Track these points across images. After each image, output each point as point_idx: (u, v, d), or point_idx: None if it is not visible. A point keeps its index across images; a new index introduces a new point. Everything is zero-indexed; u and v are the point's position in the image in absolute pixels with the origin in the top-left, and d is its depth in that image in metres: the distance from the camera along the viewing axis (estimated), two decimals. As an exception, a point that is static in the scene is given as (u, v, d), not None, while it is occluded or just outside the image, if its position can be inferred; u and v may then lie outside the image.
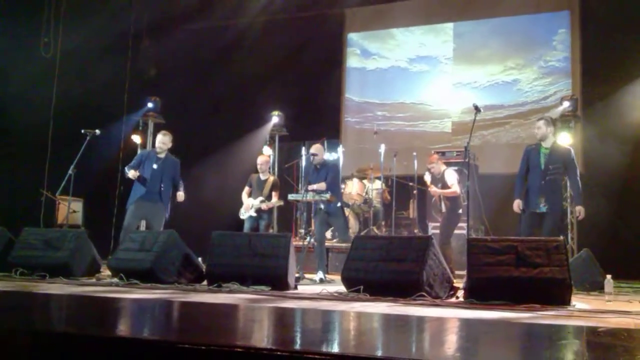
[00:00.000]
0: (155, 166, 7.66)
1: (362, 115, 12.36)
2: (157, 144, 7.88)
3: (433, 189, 7.95)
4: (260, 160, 8.61)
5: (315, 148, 7.93)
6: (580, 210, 6.76)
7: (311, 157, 7.90)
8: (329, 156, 8.39)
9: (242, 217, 8.39)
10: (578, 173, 6.81)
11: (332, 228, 8.60)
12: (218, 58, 11.93)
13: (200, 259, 6.69)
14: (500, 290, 4.81)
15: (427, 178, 8.14)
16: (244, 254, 6.00)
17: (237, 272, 5.86)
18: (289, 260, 5.85)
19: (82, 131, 7.40)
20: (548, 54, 11.11)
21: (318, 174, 7.83)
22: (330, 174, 7.79)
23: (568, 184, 6.94)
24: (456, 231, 8.23)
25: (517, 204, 6.80)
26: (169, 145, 7.89)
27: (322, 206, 7.63)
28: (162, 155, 7.80)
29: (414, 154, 9.93)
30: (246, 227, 8.33)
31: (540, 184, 6.70)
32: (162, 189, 7.66)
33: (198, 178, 11.61)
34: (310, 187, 7.69)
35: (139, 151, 8.06)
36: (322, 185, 7.64)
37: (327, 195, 7.53)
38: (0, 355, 2.48)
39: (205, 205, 11.10)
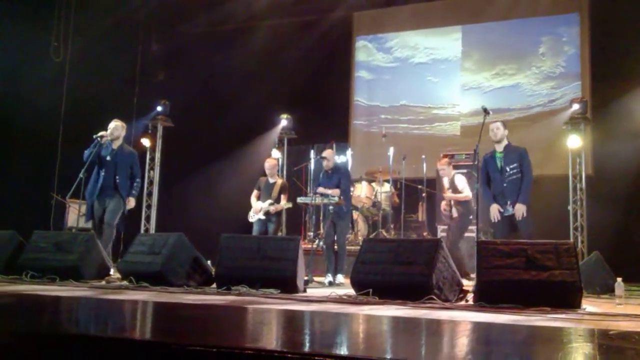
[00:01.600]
0: (108, 158, 7.48)
1: (370, 118, 12.36)
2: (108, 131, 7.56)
3: (448, 195, 7.98)
4: (268, 164, 8.62)
5: (327, 153, 7.96)
6: (519, 209, 6.56)
7: (323, 162, 7.91)
8: (337, 159, 8.40)
9: (251, 220, 8.41)
10: (531, 173, 6.74)
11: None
12: (227, 61, 11.97)
13: (209, 262, 6.70)
14: (510, 293, 4.78)
15: (445, 183, 8.16)
16: (252, 256, 5.99)
17: (245, 275, 5.85)
18: (298, 263, 5.84)
19: (94, 136, 7.42)
20: (557, 56, 11.09)
21: (330, 179, 7.84)
22: (343, 181, 7.80)
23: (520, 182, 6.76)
24: (465, 234, 8.22)
25: (496, 208, 6.73)
26: (121, 132, 7.62)
27: (331, 208, 7.64)
28: (115, 146, 7.57)
29: (423, 156, 9.92)
30: (255, 230, 8.34)
31: (503, 187, 6.75)
32: (117, 181, 7.47)
33: (207, 181, 11.65)
34: (321, 190, 7.69)
35: (135, 153, 7.89)
36: (336, 192, 7.63)
37: (336, 198, 7.54)
38: (11, 357, 2.49)
39: (214, 208, 11.13)
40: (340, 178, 7.80)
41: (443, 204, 8.22)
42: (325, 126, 11.87)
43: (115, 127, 7.55)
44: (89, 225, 7.66)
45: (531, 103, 11.08)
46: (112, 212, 7.46)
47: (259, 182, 8.56)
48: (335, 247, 7.73)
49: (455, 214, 7.92)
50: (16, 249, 7.01)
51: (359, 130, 12.43)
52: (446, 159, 8.36)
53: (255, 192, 8.48)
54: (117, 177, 7.47)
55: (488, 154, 7.02)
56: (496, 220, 6.75)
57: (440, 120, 11.76)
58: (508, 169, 6.75)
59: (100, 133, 7.40)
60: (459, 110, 11.59)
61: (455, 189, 7.94)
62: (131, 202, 7.65)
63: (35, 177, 10.59)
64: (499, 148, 6.90)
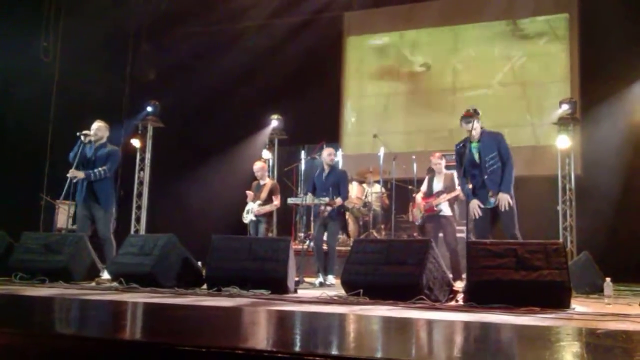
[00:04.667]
0: (91, 157, 7.32)
1: (361, 119, 12.37)
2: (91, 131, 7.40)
3: (442, 197, 7.61)
4: (256, 167, 8.67)
5: (331, 151, 8.05)
6: (502, 198, 6.00)
7: (326, 158, 7.93)
8: (325, 159, 8.39)
9: (244, 221, 8.45)
10: (512, 159, 6.13)
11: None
12: (217, 61, 11.95)
13: (199, 263, 6.69)
14: (499, 293, 4.80)
15: (424, 186, 7.98)
16: (243, 257, 5.99)
17: (236, 276, 5.84)
18: (289, 264, 5.84)
19: (77, 134, 7.36)
20: (547, 56, 11.14)
21: (326, 179, 7.84)
22: (343, 187, 7.83)
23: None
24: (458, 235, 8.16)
25: (476, 203, 6.14)
26: (105, 133, 7.45)
27: (322, 209, 7.66)
28: (97, 146, 7.40)
29: (413, 157, 9.94)
30: (251, 231, 8.39)
31: (484, 179, 6.14)
32: (94, 183, 7.26)
33: (197, 182, 11.63)
34: (324, 201, 7.63)
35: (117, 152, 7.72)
36: (339, 202, 7.66)
37: (326, 199, 7.55)
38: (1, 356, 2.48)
39: (204, 209, 11.12)
40: (338, 181, 7.81)
41: (416, 209, 8.02)
42: (315, 127, 11.87)
43: (99, 128, 7.42)
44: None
45: (522, 104, 11.12)
46: (103, 223, 7.23)
47: (253, 184, 8.61)
48: (325, 247, 7.74)
49: (447, 212, 7.71)
50: (5, 251, 6.98)
51: (349, 130, 12.43)
52: (439, 153, 7.98)
53: (250, 195, 8.51)
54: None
55: (460, 144, 6.37)
56: (477, 217, 6.15)
57: (431, 120, 11.77)
58: (487, 159, 6.12)
59: (84, 132, 7.34)
60: (450, 111, 11.60)
61: (452, 188, 7.58)
62: (77, 174, 7.16)
63: (25, 178, 10.53)
64: (474, 137, 6.24)
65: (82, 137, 7.31)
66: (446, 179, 7.75)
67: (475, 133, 6.21)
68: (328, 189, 7.73)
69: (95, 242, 7.19)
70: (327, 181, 7.82)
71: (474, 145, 6.26)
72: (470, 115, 6.23)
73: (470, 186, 6.30)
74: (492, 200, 6.13)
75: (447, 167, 8.06)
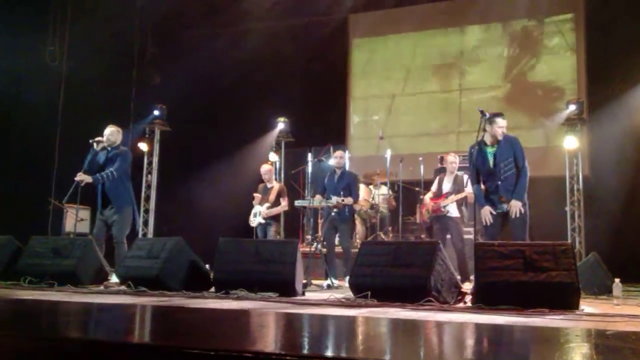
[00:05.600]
0: (102, 163, 7.28)
1: (368, 121, 12.36)
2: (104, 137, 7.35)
3: (452, 197, 7.55)
4: (263, 170, 8.68)
5: (338, 154, 8.06)
6: (514, 205, 5.92)
7: (333, 161, 8.01)
8: (333, 162, 8.42)
9: (252, 224, 8.44)
10: (527, 166, 6.03)
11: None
12: (223, 64, 11.97)
13: (207, 266, 6.69)
14: (508, 294, 4.78)
15: (434, 186, 7.95)
16: (251, 260, 5.99)
17: (244, 278, 5.85)
18: (296, 266, 5.84)
19: (90, 141, 7.37)
20: (553, 57, 11.11)
21: (337, 183, 7.86)
22: (354, 189, 7.87)
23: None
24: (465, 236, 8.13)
25: (487, 212, 6.07)
26: (117, 137, 7.38)
27: (333, 212, 7.66)
28: (110, 150, 7.34)
29: (420, 159, 9.92)
30: (259, 235, 8.40)
31: (497, 184, 6.05)
32: (107, 187, 7.23)
33: (205, 185, 11.65)
34: (336, 199, 7.65)
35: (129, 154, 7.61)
36: (349, 201, 7.70)
37: (333, 201, 7.56)
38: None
39: (211, 212, 11.13)
40: (349, 184, 7.83)
41: (425, 210, 8.00)
42: (322, 129, 11.88)
43: (111, 133, 7.35)
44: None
45: (529, 104, 11.09)
46: (117, 226, 7.16)
47: (259, 188, 8.61)
48: (336, 250, 7.76)
49: (455, 214, 7.68)
50: (14, 255, 7.00)
51: (356, 132, 12.43)
52: (454, 153, 7.88)
53: (257, 197, 8.51)
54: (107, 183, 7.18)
55: (475, 146, 6.19)
56: (488, 224, 6.09)
57: (438, 122, 11.76)
58: (502, 165, 6.01)
59: (97, 139, 7.34)
60: (457, 112, 11.58)
61: (460, 189, 7.51)
62: (85, 177, 7.08)
63: (33, 182, 10.57)
64: (491, 140, 6.13)
65: (95, 145, 7.30)
66: (456, 180, 7.69)
67: (501, 134, 6.07)
68: (339, 192, 7.74)
69: (113, 245, 7.21)
70: (339, 184, 7.84)
71: (490, 149, 6.13)
72: (501, 114, 6.13)
73: (483, 188, 6.21)
74: (504, 205, 6.05)
75: (459, 168, 8.04)
